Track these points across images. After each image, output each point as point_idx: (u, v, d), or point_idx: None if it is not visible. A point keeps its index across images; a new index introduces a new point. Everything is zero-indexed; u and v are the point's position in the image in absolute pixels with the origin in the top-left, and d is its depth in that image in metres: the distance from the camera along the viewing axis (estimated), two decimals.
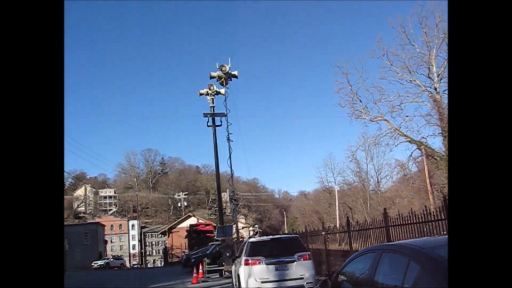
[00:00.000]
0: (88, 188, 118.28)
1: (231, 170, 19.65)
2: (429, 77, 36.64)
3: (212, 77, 20.01)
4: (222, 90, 20.14)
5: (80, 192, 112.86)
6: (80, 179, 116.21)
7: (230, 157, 19.47)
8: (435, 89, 36.24)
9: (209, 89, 19.98)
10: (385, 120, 40.76)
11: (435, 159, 37.22)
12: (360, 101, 39.84)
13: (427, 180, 31.22)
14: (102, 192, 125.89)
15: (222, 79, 19.86)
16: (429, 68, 36.23)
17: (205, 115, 19.78)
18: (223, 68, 19.63)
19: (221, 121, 19.95)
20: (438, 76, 35.93)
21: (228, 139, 19.72)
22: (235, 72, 20.13)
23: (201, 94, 20.23)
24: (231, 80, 20.24)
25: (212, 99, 19.86)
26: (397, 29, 37.68)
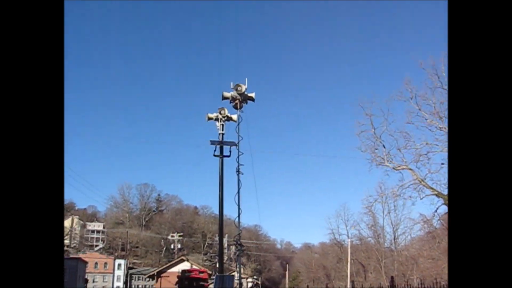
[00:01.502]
0: (76, 220, 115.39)
1: (239, 208, 17.47)
2: None
3: (224, 98, 18.19)
4: (234, 116, 18.27)
5: (66, 223, 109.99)
6: (68, 210, 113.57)
7: (238, 192, 17.35)
8: None
9: (220, 113, 18.13)
10: (410, 169, 38.56)
11: None
12: (384, 146, 37.87)
13: None
14: (90, 225, 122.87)
15: (236, 101, 18.00)
16: None
17: (213, 142, 17.83)
18: (239, 88, 17.86)
19: (230, 151, 17.97)
20: None
21: (238, 171, 17.66)
22: (252, 94, 18.32)
23: (209, 119, 18.36)
24: (246, 103, 18.37)
25: (222, 125, 17.97)
26: (428, 71, 36.22)
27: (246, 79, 18.38)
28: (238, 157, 17.94)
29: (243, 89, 17.97)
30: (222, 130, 18.10)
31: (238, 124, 18.14)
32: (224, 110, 18.14)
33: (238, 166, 17.86)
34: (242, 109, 18.35)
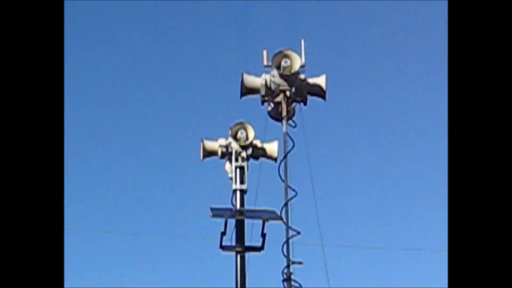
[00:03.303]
0: None
1: None
2: None
3: (248, 91, 7.98)
4: (273, 145, 8.10)
5: None
6: None
7: None
8: None
9: (235, 137, 7.91)
10: None
11: None
12: None
13: None
14: None
15: (280, 98, 7.84)
16: None
17: (216, 214, 7.48)
18: (285, 62, 7.56)
19: (263, 235, 7.59)
20: None
21: (288, 281, 7.71)
22: (321, 80, 8.00)
23: (208, 154, 8.14)
24: (304, 103, 8.16)
25: (240, 169, 7.78)
26: None
27: (302, 41, 8.10)
28: (286, 245, 7.69)
29: (297, 64, 7.67)
30: (241, 182, 7.66)
31: (283, 163, 7.78)
32: (245, 127, 7.80)
33: (288, 268, 7.64)
34: (293, 118, 8.04)
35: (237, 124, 7.51)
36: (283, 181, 7.68)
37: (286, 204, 7.63)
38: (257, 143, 7.57)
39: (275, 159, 7.66)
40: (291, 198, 7.62)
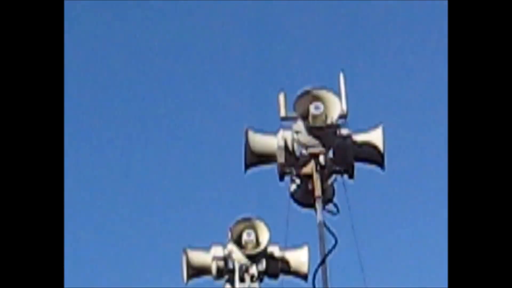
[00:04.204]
0: None
1: None
2: None
3: (257, 160, 5.18)
4: (302, 253, 5.42)
5: None
6: None
7: None
8: None
9: (237, 242, 5.29)
10: None
11: None
12: None
13: None
14: None
15: (310, 169, 4.90)
16: None
17: None
18: (313, 109, 4.94)
19: None
20: None
21: None
22: (376, 136, 5.48)
23: (196, 273, 5.63)
24: (349, 175, 5.13)
25: None
26: None
27: (341, 74, 5.26)
28: None
29: (335, 111, 4.91)
30: None
31: (320, 271, 4.75)
32: (254, 225, 5.35)
33: None
34: (333, 201, 5.06)
35: (241, 220, 4.71)
36: None
37: None
38: (275, 250, 4.67)
39: (305, 276, 4.69)
40: None
